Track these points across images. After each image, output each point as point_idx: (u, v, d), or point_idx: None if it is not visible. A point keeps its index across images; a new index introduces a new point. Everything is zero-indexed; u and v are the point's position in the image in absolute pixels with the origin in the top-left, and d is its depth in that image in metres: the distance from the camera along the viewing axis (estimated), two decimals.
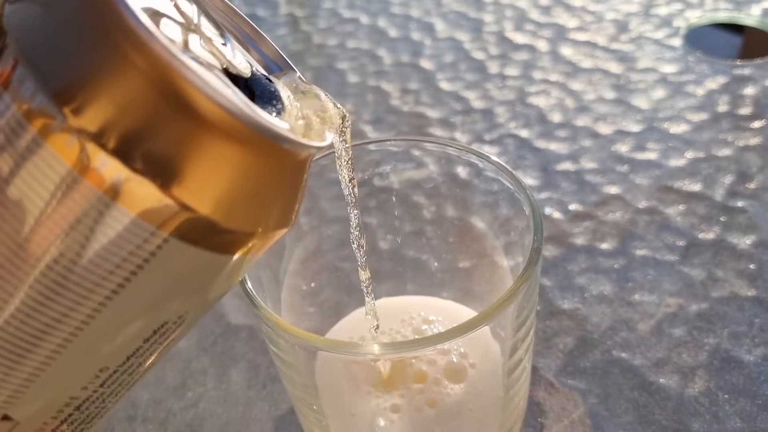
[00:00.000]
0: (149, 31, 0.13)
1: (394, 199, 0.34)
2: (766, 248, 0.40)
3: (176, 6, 0.16)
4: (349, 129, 0.20)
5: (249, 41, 0.20)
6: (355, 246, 0.26)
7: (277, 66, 0.20)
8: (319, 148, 0.17)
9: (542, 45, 0.59)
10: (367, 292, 0.27)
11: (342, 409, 0.27)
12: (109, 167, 0.14)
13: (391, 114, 0.53)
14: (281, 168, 0.16)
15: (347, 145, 0.21)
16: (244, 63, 0.17)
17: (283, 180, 0.17)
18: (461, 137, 0.50)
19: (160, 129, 0.14)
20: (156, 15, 0.16)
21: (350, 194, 0.23)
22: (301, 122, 0.18)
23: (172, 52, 0.14)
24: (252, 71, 0.18)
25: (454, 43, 0.61)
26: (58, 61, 0.14)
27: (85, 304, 0.15)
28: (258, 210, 0.16)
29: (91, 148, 0.14)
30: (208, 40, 0.16)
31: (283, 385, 0.36)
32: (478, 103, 0.53)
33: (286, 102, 0.18)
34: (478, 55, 0.59)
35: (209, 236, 0.15)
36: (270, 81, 0.18)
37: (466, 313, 0.33)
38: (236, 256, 0.17)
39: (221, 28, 0.18)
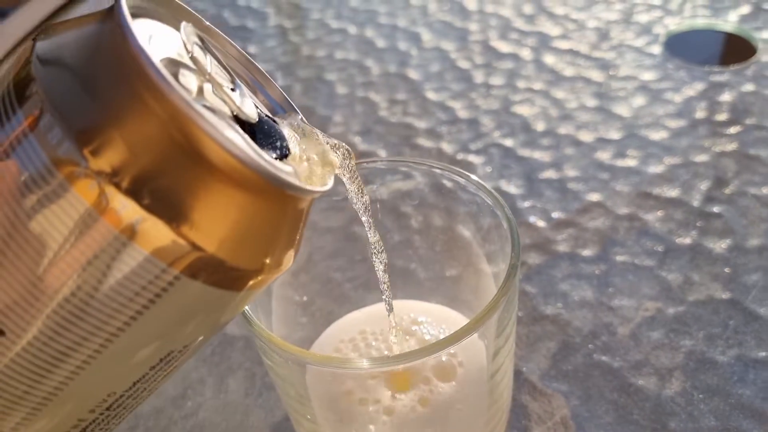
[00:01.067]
0: (168, 83, 0.15)
1: (378, 206, 0.35)
2: (741, 252, 0.42)
3: (191, 56, 0.18)
4: (352, 165, 0.22)
5: (257, 85, 0.21)
6: (377, 265, 0.27)
7: (282, 108, 0.21)
8: (322, 193, 0.18)
9: (526, 54, 0.61)
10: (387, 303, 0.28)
11: (335, 417, 0.28)
12: (126, 209, 0.15)
13: (379, 125, 0.55)
14: (285, 211, 0.18)
15: (354, 181, 0.23)
16: (252, 108, 0.19)
17: (287, 221, 0.18)
18: (447, 147, 0.52)
19: (175, 174, 0.15)
20: (173, 65, 0.17)
21: (367, 220, 0.25)
22: (305, 165, 0.19)
23: (188, 103, 0.15)
24: (259, 115, 0.19)
25: (440, 53, 0.62)
26: (81, 108, 0.15)
27: (98, 335, 0.17)
28: (263, 250, 0.18)
29: (110, 190, 0.15)
30: (219, 87, 0.18)
31: (278, 394, 0.37)
32: (463, 113, 0.55)
33: (290, 145, 0.19)
34: (464, 64, 0.60)
35: (217, 274, 0.17)
36: (276, 124, 0.19)
37: (453, 315, 0.34)
38: (240, 292, 0.18)
39: (231, 74, 0.19)
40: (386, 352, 0.31)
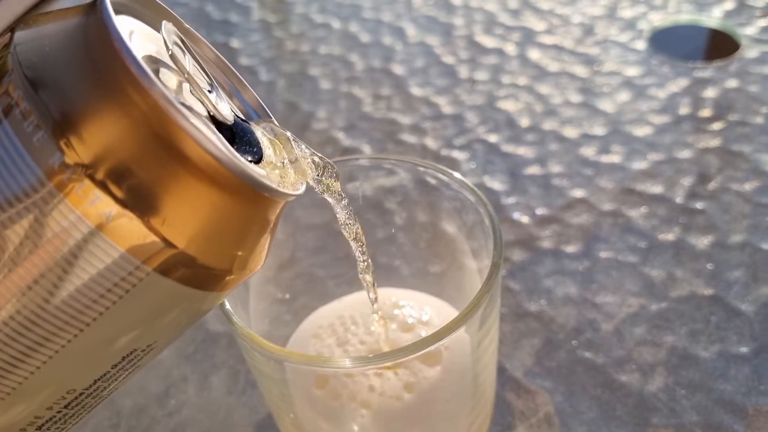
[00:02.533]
0: (149, 78, 0.15)
1: (362, 202, 0.35)
2: (723, 248, 0.42)
3: (171, 53, 0.18)
4: (332, 179, 0.22)
5: (233, 89, 0.21)
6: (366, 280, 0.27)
7: (257, 114, 0.22)
8: (294, 196, 0.18)
9: (511, 49, 0.61)
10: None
11: (318, 416, 0.28)
12: (99, 201, 0.15)
13: (363, 121, 0.54)
14: (257, 212, 0.18)
15: (339, 198, 0.23)
16: (228, 110, 0.19)
17: (258, 223, 0.18)
18: (432, 143, 0.51)
19: (150, 169, 0.15)
20: (152, 62, 0.17)
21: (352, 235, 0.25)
22: (277, 171, 0.19)
23: (168, 98, 0.15)
24: (234, 118, 0.19)
25: (424, 48, 0.62)
26: (59, 99, 0.15)
27: (63, 329, 0.16)
28: (233, 250, 0.17)
29: (84, 182, 0.15)
30: (197, 87, 0.18)
31: (261, 391, 0.37)
32: (448, 109, 0.55)
33: (264, 150, 0.19)
34: (448, 59, 0.60)
35: (186, 272, 0.17)
36: (250, 128, 0.19)
37: (434, 300, 0.34)
38: (208, 292, 0.18)
39: (209, 76, 0.19)
40: (366, 337, 0.31)
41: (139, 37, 0.18)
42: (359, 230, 0.25)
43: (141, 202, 0.15)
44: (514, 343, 0.38)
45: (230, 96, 0.21)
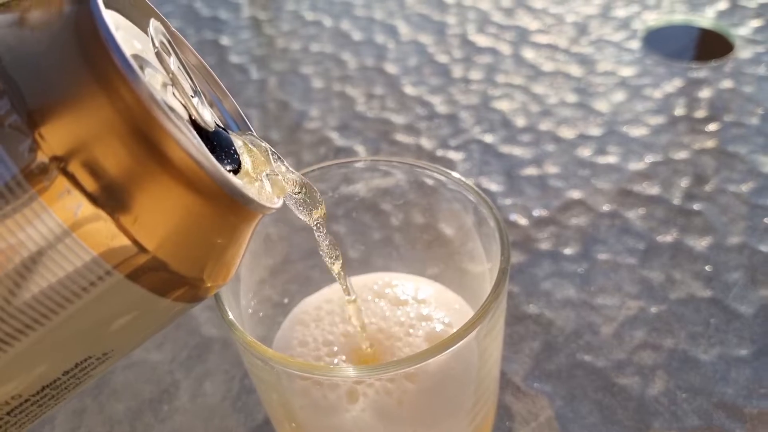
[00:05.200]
0: (134, 72, 0.14)
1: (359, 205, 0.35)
2: (722, 250, 0.42)
3: (157, 53, 0.17)
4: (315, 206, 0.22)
5: (214, 98, 0.21)
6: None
7: (236, 125, 0.21)
8: (271, 210, 0.18)
9: (505, 48, 0.60)
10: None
11: (320, 424, 0.27)
12: (68, 194, 0.14)
13: (356, 120, 0.54)
14: (233, 222, 0.17)
15: (318, 222, 0.23)
16: (209, 117, 0.18)
17: (232, 234, 0.17)
18: (427, 143, 0.51)
19: (126, 167, 0.15)
20: (138, 60, 0.16)
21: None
22: (255, 183, 0.19)
23: (153, 95, 0.14)
24: (216, 125, 0.18)
25: (417, 47, 0.62)
26: (38, 84, 0.14)
27: (15, 327, 0.16)
28: (205, 259, 0.17)
29: (54, 172, 0.14)
30: (181, 90, 0.17)
31: (257, 396, 0.37)
32: (442, 108, 0.54)
33: (242, 161, 0.19)
34: (442, 58, 0.60)
35: (154, 276, 0.16)
36: (230, 138, 0.19)
37: (425, 281, 0.33)
38: (172, 302, 0.17)
39: (193, 81, 0.19)
40: (353, 320, 0.31)
41: (124, 34, 0.17)
42: (337, 252, 0.25)
43: (113, 199, 0.15)
44: (514, 347, 0.38)
45: (211, 105, 0.21)
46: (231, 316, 0.25)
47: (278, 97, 0.57)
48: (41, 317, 0.16)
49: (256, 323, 0.32)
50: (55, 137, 0.14)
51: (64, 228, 0.15)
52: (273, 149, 0.20)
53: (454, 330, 0.24)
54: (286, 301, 0.34)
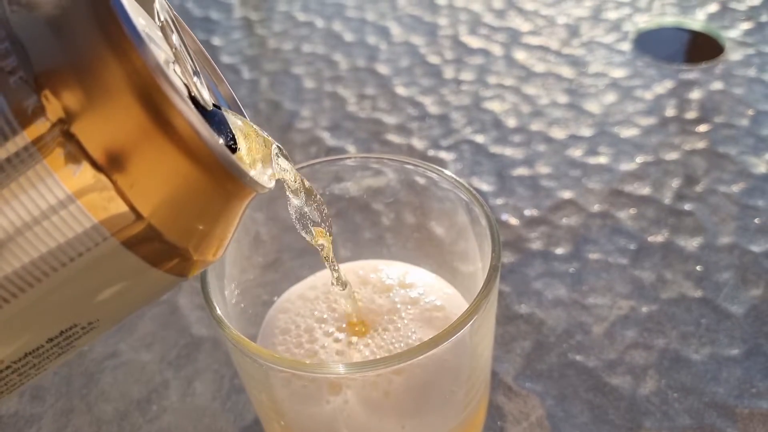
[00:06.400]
0: (142, 39, 0.14)
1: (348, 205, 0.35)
2: (712, 250, 0.42)
3: (162, 27, 0.18)
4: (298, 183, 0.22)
5: (209, 82, 0.21)
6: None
7: (229, 108, 0.21)
8: (265, 190, 0.18)
9: (496, 49, 0.60)
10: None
11: (311, 423, 0.27)
12: (69, 156, 0.14)
13: (348, 120, 0.54)
14: (226, 196, 0.17)
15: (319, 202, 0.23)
16: (208, 96, 0.18)
17: (225, 208, 0.17)
18: (418, 143, 0.51)
19: (128, 134, 0.15)
20: (149, 37, 0.17)
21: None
22: (249, 164, 0.19)
23: (159, 64, 0.14)
24: (214, 105, 0.19)
25: (409, 48, 0.62)
26: (45, 46, 0.15)
27: (2, 286, 0.16)
28: (197, 230, 0.17)
29: (57, 132, 0.14)
30: (183, 66, 0.17)
31: (247, 396, 0.36)
32: (434, 109, 0.54)
33: (238, 142, 0.19)
34: (434, 59, 0.60)
35: (147, 244, 0.16)
36: (226, 118, 0.19)
37: (411, 267, 0.33)
38: (162, 273, 0.17)
39: (194, 61, 0.19)
40: (334, 306, 0.31)
41: (131, 7, 0.17)
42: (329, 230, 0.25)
43: (112, 162, 0.15)
44: (505, 346, 0.38)
45: (207, 88, 0.21)
46: (219, 312, 0.25)
47: (270, 97, 0.57)
48: (33, 280, 0.16)
49: (246, 321, 0.32)
50: (60, 98, 0.14)
51: (62, 188, 0.15)
52: (277, 144, 0.21)
53: (447, 311, 0.24)
54: (275, 299, 0.33)
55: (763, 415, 0.34)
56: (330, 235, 0.26)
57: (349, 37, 0.64)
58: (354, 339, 0.29)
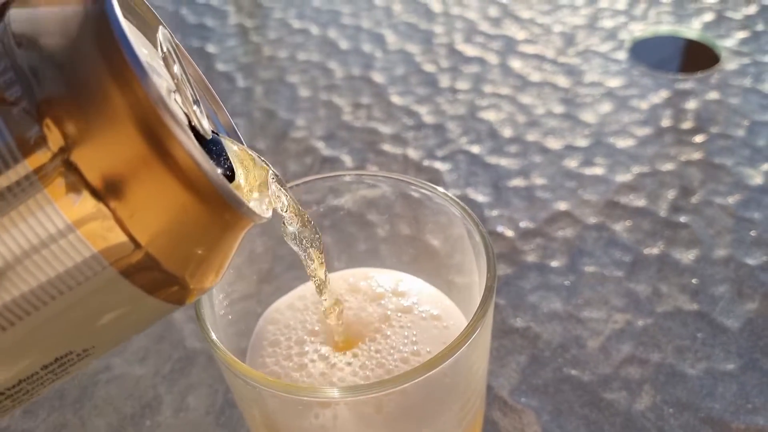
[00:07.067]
0: (144, 71, 0.14)
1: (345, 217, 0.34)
2: (708, 263, 0.41)
3: (164, 58, 0.18)
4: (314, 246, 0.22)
5: (209, 110, 0.21)
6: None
7: (228, 135, 0.21)
8: (262, 220, 0.18)
9: (492, 58, 0.60)
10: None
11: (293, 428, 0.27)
12: (69, 185, 0.15)
13: (343, 129, 0.54)
14: (224, 226, 0.17)
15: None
16: (207, 126, 0.19)
17: (222, 238, 0.17)
18: (414, 153, 0.51)
19: (129, 161, 0.15)
20: (151, 67, 0.17)
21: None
22: (247, 193, 0.19)
23: (161, 95, 0.15)
24: (213, 133, 0.19)
25: (404, 56, 0.61)
26: (48, 76, 0.15)
27: (1, 314, 0.16)
28: (197, 261, 0.17)
29: (58, 162, 0.15)
30: (184, 96, 0.18)
31: (240, 412, 0.36)
32: (429, 118, 0.54)
33: (235, 171, 0.19)
34: (429, 68, 0.60)
35: (145, 274, 0.16)
36: (225, 147, 0.19)
37: (402, 275, 0.33)
38: (159, 301, 0.17)
39: (194, 90, 0.19)
40: (323, 310, 0.31)
41: (135, 38, 0.17)
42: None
43: (112, 192, 0.15)
44: (500, 361, 0.37)
45: (207, 117, 0.21)
46: (214, 336, 0.24)
47: (264, 105, 0.57)
48: (30, 307, 0.16)
49: (239, 335, 0.31)
50: (62, 128, 0.15)
51: (62, 217, 0.15)
52: (274, 171, 0.21)
53: (445, 321, 0.24)
54: (268, 307, 0.33)
55: (759, 431, 0.34)
56: (323, 265, 0.26)
57: (344, 44, 0.64)
58: (341, 355, 0.29)
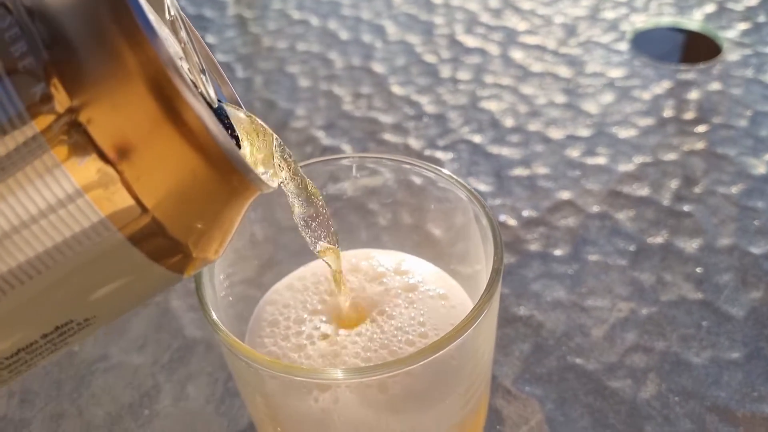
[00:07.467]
0: (154, 32, 0.14)
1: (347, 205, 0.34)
2: (712, 252, 0.41)
3: (172, 23, 0.17)
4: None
5: (213, 82, 0.21)
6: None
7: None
8: (269, 188, 0.18)
9: (493, 48, 0.60)
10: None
11: (299, 420, 0.26)
12: (76, 145, 0.14)
13: (343, 119, 0.53)
14: (230, 193, 0.17)
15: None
16: (213, 94, 0.18)
17: (228, 205, 0.17)
18: (415, 143, 0.50)
19: (137, 122, 0.15)
20: (161, 28, 0.17)
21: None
22: (252, 162, 0.19)
23: (171, 57, 0.14)
24: (219, 102, 0.18)
25: (405, 46, 0.61)
26: (56, 33, 0.14)
27: (2, 278, 0.15)
28: (201, 228, 0.17)
29: (65, 121, 0.14)
30: (192, 63, 0.17)
31: (241, 400, 0.36)
32: (430, 108, 0.54)
33: (241, 141, 0.19)
34: (430, 58, 0.59)
35: (149, 239, 0.16)
36: (230, 116, 0.19)
37: (404, 255, 0.33)
38: (163, 270, 0.17)
39: (200, 59, 0.19)
40: (326, 297, 0.30)
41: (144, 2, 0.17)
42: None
43: (119, 154, 0.15)
44: (504, 349, 0.37)
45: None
46: (215, 317, 0.24)
47: (264, 96, 0.57)
48: (33, 272, 0.15)
49: (240, 321, 0.31)
50: (70, 87, 0.14)
51: (68, 178, 0.15)
52: (280, 140, 0.21)
53: (451, 300, 0.23)
54: (271, 294, 0.33)
55: (765, 419, 0.33)
56: (337, 245, 0.25)
57: (344, 35, 0.63)
58: (343, 331, 0.28)
